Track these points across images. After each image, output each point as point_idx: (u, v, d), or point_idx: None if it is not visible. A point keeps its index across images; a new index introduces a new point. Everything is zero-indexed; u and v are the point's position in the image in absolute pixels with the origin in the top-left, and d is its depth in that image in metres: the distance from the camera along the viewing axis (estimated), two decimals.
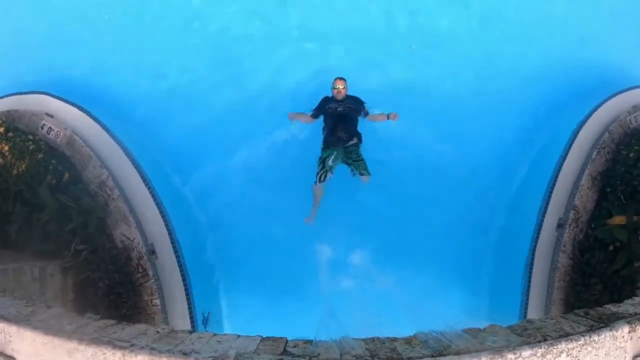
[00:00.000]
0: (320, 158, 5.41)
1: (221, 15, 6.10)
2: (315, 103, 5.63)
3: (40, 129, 5.07)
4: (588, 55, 5.93)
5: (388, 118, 5.46)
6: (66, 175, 4.74)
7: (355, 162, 5.42)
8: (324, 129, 5.59)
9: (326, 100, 5.56)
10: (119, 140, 5.22)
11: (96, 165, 4.96)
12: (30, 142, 4.80)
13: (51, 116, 5.16)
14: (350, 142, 5.43)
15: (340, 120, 5.43)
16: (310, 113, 5.61)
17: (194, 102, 5.86)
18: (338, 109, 5.46)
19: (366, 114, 5.57)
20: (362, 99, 5.60)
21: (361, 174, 5.42)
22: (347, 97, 5.51)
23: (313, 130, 5.78)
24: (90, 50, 5.89)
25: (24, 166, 4.60)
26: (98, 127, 5.22)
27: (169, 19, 6.07)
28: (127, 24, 6.03)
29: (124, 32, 5.99)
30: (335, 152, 5.36)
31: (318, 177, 5.34)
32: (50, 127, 5.08)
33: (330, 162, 5.32)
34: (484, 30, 6.07)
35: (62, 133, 5.06)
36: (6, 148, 4.65)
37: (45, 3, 6.07)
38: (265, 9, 6.08)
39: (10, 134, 4.80)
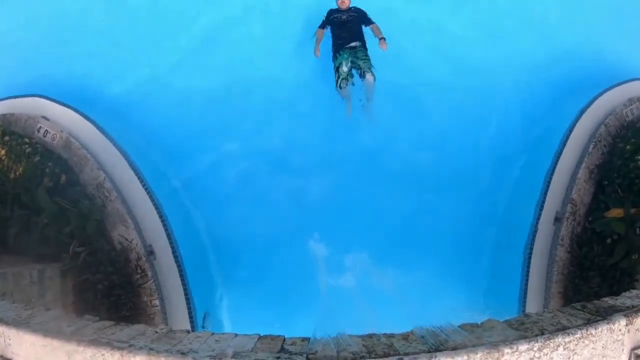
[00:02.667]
0: (334, 67, 5.82)
1: (219, 12, 6.13)
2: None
3: (36, 132, 5.06)
4: (583, 48, 5.93)
5: (380, 40, 5.77)
6: (63, 177, 4.74)
7: (362, 60, 5.76)
8: (332, 39, 5.97)
9: (331, 12, 6.05)
10: (115, 141, 5.21)
11: (93, 168, 4.95)
12: (27, 145, 4.80)
13: (47, 119, 5.15)
14: (354, 43, 5.84)
15: (344, 26, 5.92)
16: (319, 29, 6.02)
17: (190, 103, 5.86)
18: (342, 17, 5.95)
19: (369, 23, 5.97)
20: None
21: (366, 72, 5.71)
22: (351, 8, 6.01)
23: (311, 132, 5.82)
24: (85, 52, 5.88)
25: (20, 170, 4.60)
26: (94, 129, 5.21)
27: (165, 20, 6.06)
28: (122, 26, 6.02)
29: (120, 34, 5.98)
30: (345, 56, 5.75)
31: (338, 85, 5.78)
32: (46, 130, 5.08)
33: (344, 68, 5.71)
34: (481, 26, 6.08)
35: (58, 135, 5.06)
36: (2, 152, 4.66)
37: (40, 6, 6.05)
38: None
39: (7, 138, 4.81)
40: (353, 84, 5.80)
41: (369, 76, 5.69)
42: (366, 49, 5.84)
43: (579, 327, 2.28)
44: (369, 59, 5.77)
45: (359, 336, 2.36)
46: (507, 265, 5.30)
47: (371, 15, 6.01)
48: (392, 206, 5.60)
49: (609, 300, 2.64)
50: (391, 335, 2.34)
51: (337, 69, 5.77)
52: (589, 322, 2.32)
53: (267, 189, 5.68)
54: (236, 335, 2.46)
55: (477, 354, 2.09)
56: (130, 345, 2.25)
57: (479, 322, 2.43)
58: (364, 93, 5.80)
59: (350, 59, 5.74)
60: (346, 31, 5.86)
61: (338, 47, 5.86)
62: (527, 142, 5.77)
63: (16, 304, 2.86)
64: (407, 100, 5.90)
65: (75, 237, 4.51)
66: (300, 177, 5.65)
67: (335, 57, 5.86)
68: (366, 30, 5.99)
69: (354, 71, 5.80)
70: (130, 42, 5.94)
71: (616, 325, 2.32)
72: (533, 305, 4.92)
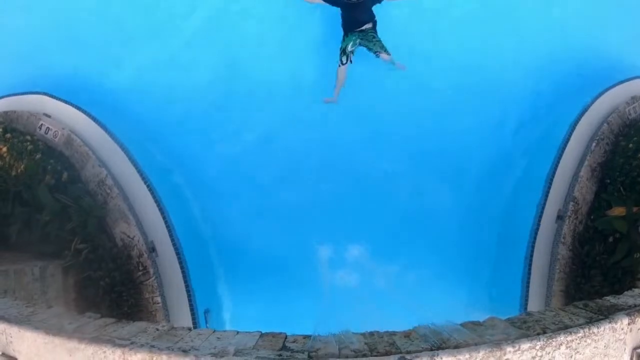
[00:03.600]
0: (340, 48, 5.80)
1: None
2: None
3: (38, 129, 5.06)
4: (586, 47, 5.89)
5: None
6: (65, 174, 4.74)
7: (372, 42, 5.77)
8: (342, 20, 5.89)
9: None
10: (117, 138, 5.20)
11: (95, 164, 4.95)
12: (29, 143, 4.80)
13: (49, 116, 5.15)
14: (365, 26, 5.79)
15: (353, 9, 5.81)
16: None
17: (191, 99, 5.84)
18: (352, 0, 5.79)
19: None
20: None
21: (379, 52, 5.71)
22: None
23: (313, 129, 5.80)
24: (87, 49, 5.85)
25: (22, 167, 4.60)
26: (96, 125, 5.20)
27: (165, 16, 6.04)
28: (124, 22, 6.00)
29: (121, 30, 5.96)
30: (353, 38, 5.77)
31: (340, 61, 5.78)
32: (48, 127, 5.07)
33: (349, 48, 5.75)
34: (483, 25, 6.05)
35: (60, 133, 5.05)
36: (4, 149, 4.66)
37: (40, 4, 6.04)
38: None
39: (8, 135, 4.81)
40: (351, 62, 5.76)
41: (383, 55, 5.70)
42: (376, 31, 5.79)
43: (581, 326, 2.28)
44: (379, 40, 5.75)
45: (361, 334, 2.36)
46: (509, 264, 5.30)
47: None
48: (395, 204, 5.60)
49: (611, 299, 2.64)
50: (393, 333, 2.34)
51: (343, 50, 5.76)
52: (591, 321, 2.32)
53: (270, 186, 5.67)
54: (238, 332, 2.47)
55: (479, 352, 2.09)
56: (132, 343, 2.26)
57: (481, 321, 2.43)
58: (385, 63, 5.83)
59: (358, 42, 5.74)
60: (356, 14, 5.78)
61: (347, 30, 5.83)
62: (530, 140, 5.75)
63: (18, 301, 2.87)
64: (408, 99, 5.88)
65: (76, 234, 4.51)
66: (302, 175, 5.63)
67: (343, 39, 5.83)
68: (375, 8, 5.88)
69: (370, 53, 5.79)
70: (133, 41, 5.91)
71: (618, 324, 2.32)
72: (535, 304, 4.91)
